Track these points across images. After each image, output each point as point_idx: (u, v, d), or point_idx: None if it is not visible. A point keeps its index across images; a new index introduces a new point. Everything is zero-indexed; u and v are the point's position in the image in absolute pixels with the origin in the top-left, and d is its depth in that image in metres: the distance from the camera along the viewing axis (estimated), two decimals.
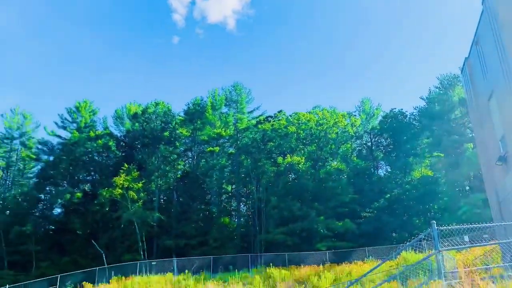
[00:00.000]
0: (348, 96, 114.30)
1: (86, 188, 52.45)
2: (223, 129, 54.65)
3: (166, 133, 51.00)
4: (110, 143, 52.70)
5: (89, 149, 51.70)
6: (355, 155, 54.52)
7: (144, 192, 45.50)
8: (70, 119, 55.58)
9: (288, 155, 47.47)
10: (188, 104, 55.30)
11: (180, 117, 54.80)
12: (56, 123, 55.55)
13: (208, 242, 43.73)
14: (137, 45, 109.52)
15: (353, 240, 41.16)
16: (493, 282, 8.81)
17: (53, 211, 51.72)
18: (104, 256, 36.79)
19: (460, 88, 46.86)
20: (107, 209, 45.99)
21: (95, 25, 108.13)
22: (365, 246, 36.31)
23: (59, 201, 49.17)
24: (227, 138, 54.12)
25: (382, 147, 54.21)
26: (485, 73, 19.22)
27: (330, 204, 44.50)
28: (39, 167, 53.68)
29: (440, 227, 9.60)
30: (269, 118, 54.05)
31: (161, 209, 48.26)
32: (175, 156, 52.33)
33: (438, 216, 42.37)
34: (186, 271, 31.16)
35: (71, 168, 51.14)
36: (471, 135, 46.99)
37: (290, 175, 48.79)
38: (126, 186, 42.31)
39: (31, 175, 54.15)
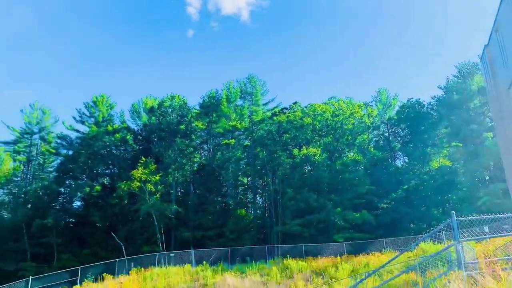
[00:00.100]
0: (365, 86, 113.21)
1: (105, 182, 53.23)
2: (238, 121, 54.74)
3: (182, 126, 51.34)
4: (128, 137, 53.32)
5: (107, 143, 52.41)
6: (372, 146, 54.05)
7: (162, 185, 45.98)
8: (88, 113, 56.41)
9: (304, 146, 47.28)
10: (203, 97, 55.62)
11: (196, 110, 55.07)
12: (74, 118, 56.53)
13: (225, 234, 44.06)
14: (152, 39, 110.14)
15: (370, 231, 40.96)
16: None
17: (73, 204, 52.71)
18: (123, 248, 37.39)
19: (479, 77, 45.90)
20: (125, 202, 46.73)
21: (111, 20, 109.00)
22: (382, 238, 36.11)
23: (79, 194, 50.05)
24: (242, 130, 54.22)
25: (399, 138, 53.59)
26: (505, 61, 18.79)
27: (347, 195, 44.30)
28: (58, 161, 54.67)
29: (460, 218, 9.51)
30: (284, 110, 53.89)
31: (179, 201, 48.75)
32: (191, 149, 52.70)
33: (457, 206, 41.83)
34: (204, 262, 31.46)
35: (89, 162, 51.96)
36: (490, 124, 46.11)
37: (306, 167, 48.63)
38: (144, 179, 42.82)
39: (51, 169, 55.15)
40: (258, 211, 53.54)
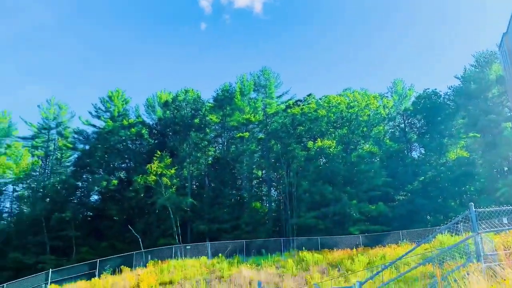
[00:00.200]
0: (380, 77, 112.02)
1: (122, 175, 53.82)
2: (252, 114, 54.67)
3: (197, 120, 51.52)
4: (143, 131, 53.76)
5: (123, 137, 52.94)
6: (387, 137, 53.53)
7: (177, 178, 46.33)
8: (103, 108, 56.98)
9: (318, 139, 47.00)
10: (217, 90, 55.68)
11: (210, 104, 55.16)
12: (90, 113, 57.13)
13: (240, 227, 44.26)
14: (165, 33, 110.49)
15: (386, 223, 40.71)
16: None
17: (91, 198, 53.51)
18: (140, 240, 37.84)
19: (498, 66, 44.92)
20: (142, 195, 47.27)
21: (124, 14, 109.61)
22: (398, 230, 35.83)
23: (96, 188, 50.75)
24: (256, 123, 54.16)
25: (415, 129, 52.93)
26: None
27: (363, 187, 44.05)
28: (75, 155, 55.41)
29: (478, 209, 9.37)
30: (299, 102, 53.61)
31: (194, 194, 49.08)
32: (206, 142, 52.93)
33: (474, 198, 41.26)
34: (220, 254, 31.66)
35: (106, 156, 52.58)
36: (509, 114, 45.26)
37: (321, 159, 48.41)
38: (159, 172, 43.19)
39: (68, 164, 55.95)
40: (273, 204, 53.61)
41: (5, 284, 25.64)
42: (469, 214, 9.30)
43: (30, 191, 50.51)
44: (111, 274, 28.23)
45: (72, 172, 52.59)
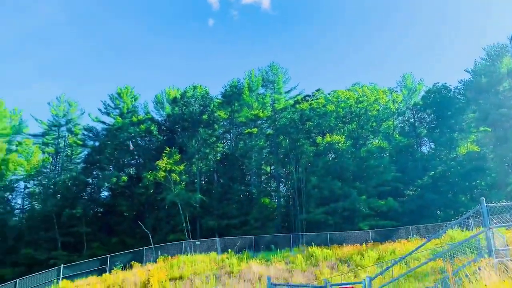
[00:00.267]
0: (389, 72, 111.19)
1: (131, 172, 54.15)
2: (261, 110, 54.60)
3: (205, 116, 51.60)
4: (152, 128, 53.99)
5: (132, 134, 53.23)
6: (397, 132, 53.19)
7: (186, 174, 46.50)
8: (113, 105, 57.32)
9: (327, 134, 46.83)
10: (225, 86, 55.65)
11: (218, 100, 55.18)
12: (99, 110, 57.56)
13: (249, 222, 44.34)
14: (173, 30, 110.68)
15: (396, 218, 40.54)
16: None
17: (101, 194, 53.89)
18: (150, 236, 38.07)
19: (509, 59, 44.41)
20: (151, 191, 47.54)
21: (132, 11, 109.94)
22: (408, 225, 35.68)
23: (106, 184, 51.12)
24: (264, 119, 54.10)
25: (425, 123, 52.47)
26: None
27: (372, 182, 43.87)
28: (85, 152, 55.79)
29: (490, 204, 9.29)
30: (307, 98, 53.42)
31: (203, 190, 49.25)
32: (214, 138, 53.03)
33: (485, 193, 40.88)
34: (229, 250, 31.81)
35: (116, 152, 52.91)
36: None
37: (330, 155, 48.24)
38: (168, 169, 43.38)
39: (78, 161, 56.45)
40: (281, 200, 53.60)
41: (17, 280, 25.98)
42: (480, 209, 9.22)
43: (41, 187, 51.04)
44: (122, 270, 28.48)
45: (82, 168, 53.03)
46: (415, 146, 52.18)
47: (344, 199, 42.00)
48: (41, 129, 55.79)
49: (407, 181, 46.49)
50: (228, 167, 51.34)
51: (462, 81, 50.60)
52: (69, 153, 55.96)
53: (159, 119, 58.82)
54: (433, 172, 46.21)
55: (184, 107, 52.42)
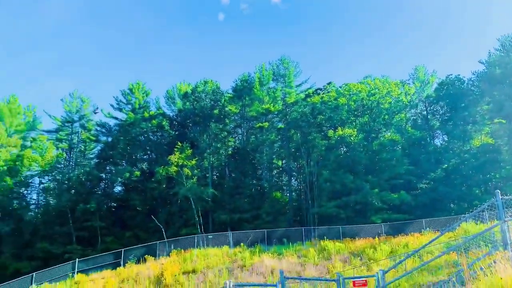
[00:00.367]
0: (401, 64, 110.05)
1: (144, 167, 54.59)
2: (272, 104, 54.50)
3: (216, 111, 51.71)
4: (164, 123, 54.29)
5: (144, 129, 53.59)
6: (409, 125, 52.70)
7: (198, 169, 46.73)
8: (125, 101, 57.80)
9: (339, 127, 46.57)
10: (236, 80, 55.65)
11: (229, 94, 55.22)
12: (112, 105, 58.14)
13: (261, 216, 44.45)
14: (184, 25, 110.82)
15: (409, 212, 40.29)
16: None
17: (114, 189, 54.46)
18: (163, 230, 38.42)
19: None
20: (164, 186, 47.94)
21: (143, 7, 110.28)
22: (421, 218, 35.42)
23: (119, 179, 51.62)
24: (275, 113, 53.98)
25: (438, 116, 51.85)
26: None
27: (384, 176, 43.60)
28: (98, 148, 56.41)
29: (505, 197, 9.18)
30: (318, 91, 53.17)
31: (215, 184, 49.48)
32: (226, 133, 53.15)
33: (500, 185, 40.38)
34: (241, 244, 31.96)
35: (128, 148, 53.36)
36: None
37: (342, 148, 48.03)
38: (180, 163, 43.64)
39: (92, 156, 57.04)
40: (293, 194, 53.59)
41: (34, 273, 26.48)
42: (495, 202, 9.12)
43: (56, 183, 51.71)
44: (136, 263, 28.85)
45: (96, 164, 53.58)
46: (427, 138, 51.65)
47: (356, 192, 41.82)
48: (55, 125, 56.53)
49: (420, 174, 46.09)
50: (239, 161, 51.44)
51: (475, 72, 49.85)
52: (82, 149, 56.56)
53: (171, 114, 59.14)
54: (446, 165, 45.75)
55: (195, 102, 52.57)
